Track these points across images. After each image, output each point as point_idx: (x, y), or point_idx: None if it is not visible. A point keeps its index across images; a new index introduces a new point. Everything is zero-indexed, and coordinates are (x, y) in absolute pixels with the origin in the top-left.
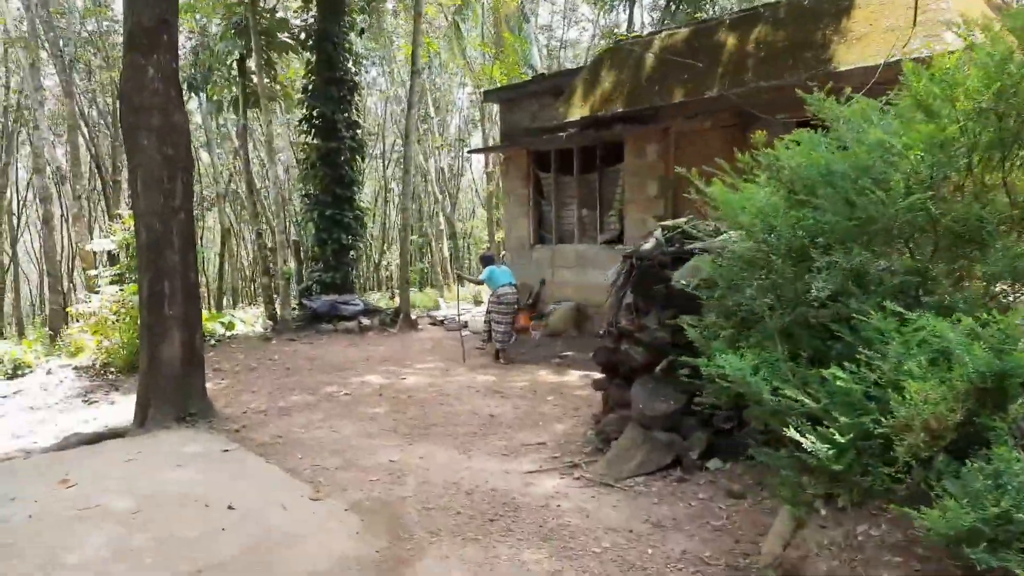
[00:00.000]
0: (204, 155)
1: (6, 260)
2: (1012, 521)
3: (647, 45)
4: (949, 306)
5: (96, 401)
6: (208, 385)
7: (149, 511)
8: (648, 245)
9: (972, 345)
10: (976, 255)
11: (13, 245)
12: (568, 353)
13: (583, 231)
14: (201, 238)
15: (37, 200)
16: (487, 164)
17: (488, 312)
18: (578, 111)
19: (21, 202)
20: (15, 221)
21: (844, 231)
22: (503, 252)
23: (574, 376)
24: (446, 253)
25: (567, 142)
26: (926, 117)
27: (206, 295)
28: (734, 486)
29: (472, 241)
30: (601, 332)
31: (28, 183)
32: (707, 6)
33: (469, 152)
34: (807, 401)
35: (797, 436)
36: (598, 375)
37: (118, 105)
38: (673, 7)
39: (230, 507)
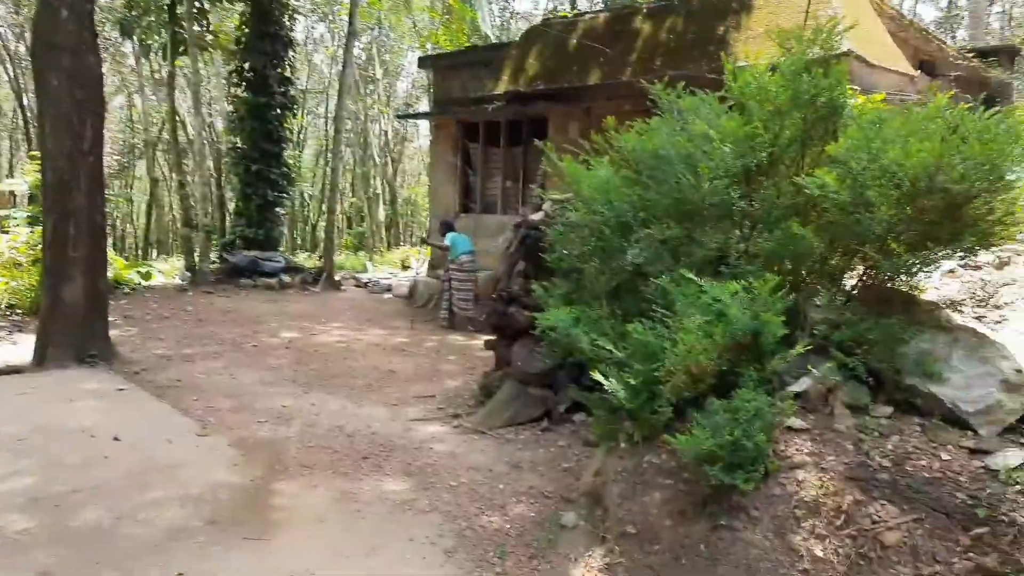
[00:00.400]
0: (137, 101)
1: None
2: (741, 448)
3: (571, 26)
4: (739, 276)
5: None
6: (116, 332)
7: (36, 439)
8: (537, 216)
9: (731, 306)
10: (766, 235)
11: None
12: (483, 318)
13: (507, 203)
14: (130, 187)
15: None
16: (431, 131)
17: (447, 280)
18: (504, 85)
19: None
20: None
21: (664, 209)
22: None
23: (482, 339)
24: (381, 218)
25: (495, 114)
26: (742, 114)
27: (134, 245)
28: (590, 436)
29: (413, 207)
30: (493, 296)
31: None
32: None
33: (398, 117)
34: (615, 351)
35: (602, 379)
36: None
37: (30, 44)
38: None
39: (116, 438)
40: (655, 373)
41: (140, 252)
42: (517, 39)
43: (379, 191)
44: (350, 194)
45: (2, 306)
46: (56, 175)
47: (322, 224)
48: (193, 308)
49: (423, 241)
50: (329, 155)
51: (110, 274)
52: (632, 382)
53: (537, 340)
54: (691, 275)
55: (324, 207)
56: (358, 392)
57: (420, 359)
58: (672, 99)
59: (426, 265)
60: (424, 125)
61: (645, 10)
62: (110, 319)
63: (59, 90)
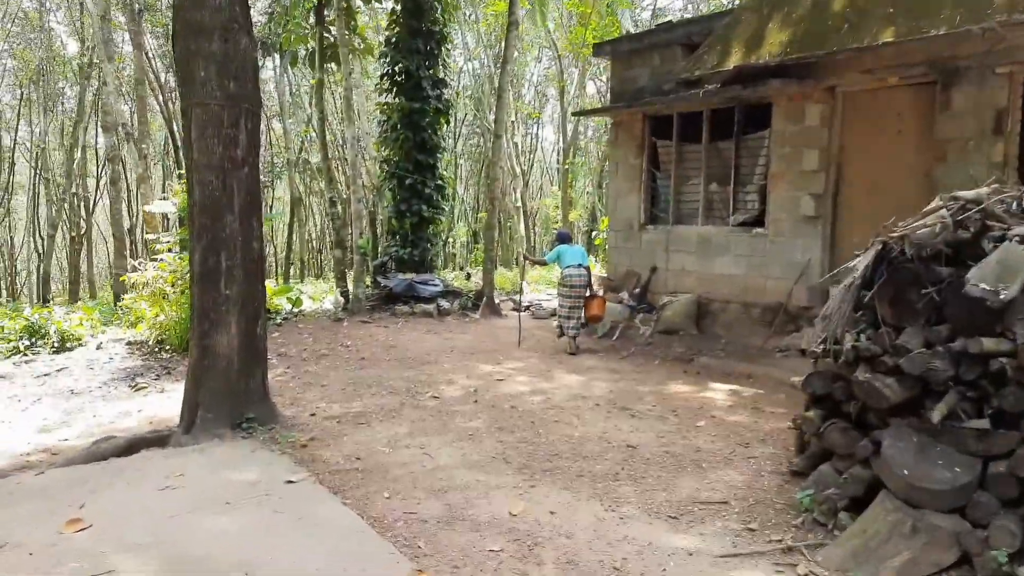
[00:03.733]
0: (276, 125)
1: (83, 224)
2: None
3: None
4: None
5: (144, 387)
6: (271, 376)
7: None
8: (924, 231)
9: None
10: None
11: (86, 208)
12: (693, 358)
13: (709, 211)
14: (271, 207)
15: (104, 160)
16: (564, 139)
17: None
18: (733, 59)
19: (101, 164)
20: (94, 183)
21: None
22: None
23: (718, 392)
24: (522, 232)
25: (701, 101)
26: None
27: (273, 265)
28: None
29: (538, 221)
30: (814, 347)
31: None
32: None
33: (574, 114)
34: None
35: None
36: (758, 393)
37: (171, 26)
38: None
39: None
40: None
41: (281, 273)
42: (743, 3)
43: (518, 204)
44: (478, 208)
45: (150, 342)
46: (204, 192)
47: (454, 239)
48: (352, 343)
49: (523, 258)
50: (456, 169)
51: None
52: None
53: (927, 431)
54: None
55: (460, 221)
56: (605, 488)
57: (656, 424)
58: None
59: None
60: (547, 137)
61: None
62: None
63: (206, 83)
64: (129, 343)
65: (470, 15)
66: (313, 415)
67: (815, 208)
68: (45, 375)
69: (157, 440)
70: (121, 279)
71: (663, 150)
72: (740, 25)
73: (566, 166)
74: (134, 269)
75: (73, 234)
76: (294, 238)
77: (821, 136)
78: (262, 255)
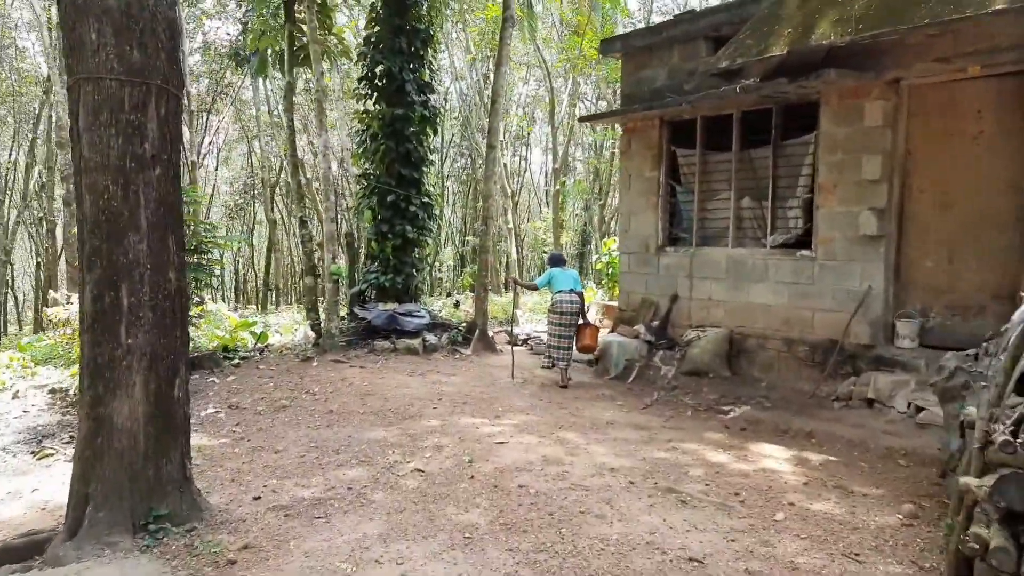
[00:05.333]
0: (256, 146)
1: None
2: None
3: None
4: None
5: (50, 453)
6: (209, 439)
7: None
8: None
9: None
10: None
11: (51, 233)
12: (732, 409)
13: (741, 230)
14: (252, 231)
15: (59, 178)
16: (554, 159)
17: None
18: (782, 43)
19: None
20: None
21: None
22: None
23: (779, 459)
24: (514, 255)
25: (734, 100)
26: None
27: (255, 292)
28: None
29: (527, 244)
30: (1001, 433)
31: None
32: None
33: (580, 120)
34: None
35: None
36: (829, 460)
37: None
38: None
39: None
40: None
41: (259, 300)
42: None
43: (511, 225)
44: (466, 231)
45: (71, 392)
46: (97, 202)
47: (440, 263)
48: (319, 389)
49: (513, 283)
50: (442, 190)
51: (221, 334)
52: None
53: None
54: None
55: (447, 245)
56: None
57: (719, 517)
58: None
59: (600, 315)
60: (536, 160)
61: None
62: (210, 409)
63: (100, 50)
64: (52, 391)
65: (456, 24)
66: (257, 499)
67: (877, 226)
68: None
69: (30, 548)
70: (42, 314)
71: (684, 160)
72: (787, 5)
73: (557, 187)
74: (55, 303)
75: (39, 260)
76: (272, 263)
77: (884, 139)
78: (183, 289)
